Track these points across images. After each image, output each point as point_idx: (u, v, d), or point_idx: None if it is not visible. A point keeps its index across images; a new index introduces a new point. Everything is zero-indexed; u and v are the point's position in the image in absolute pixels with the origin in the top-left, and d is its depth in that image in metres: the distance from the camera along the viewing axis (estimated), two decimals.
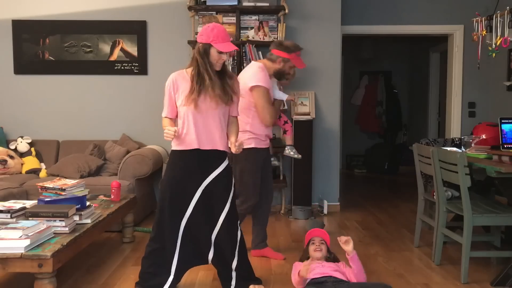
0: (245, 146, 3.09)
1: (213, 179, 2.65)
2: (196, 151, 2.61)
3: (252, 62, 3.48)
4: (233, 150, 2.62)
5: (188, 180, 2.63)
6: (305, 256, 2.89)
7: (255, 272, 3.20)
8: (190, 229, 2.65)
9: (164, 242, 2.64)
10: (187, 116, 2.58)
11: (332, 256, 2.86)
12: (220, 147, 2.66)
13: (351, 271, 2.67)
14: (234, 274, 2.72)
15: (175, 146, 2.66)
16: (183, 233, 2.65)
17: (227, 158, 2.73)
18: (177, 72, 2.66)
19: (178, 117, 2.65)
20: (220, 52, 2.54)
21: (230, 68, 4.77)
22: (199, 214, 2.64)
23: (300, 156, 3.54)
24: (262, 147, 3.33)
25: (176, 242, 2.64)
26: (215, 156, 2.66)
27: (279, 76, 3.39)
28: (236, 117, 2.80)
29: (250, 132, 3.26)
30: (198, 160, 2.62)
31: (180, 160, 2.64)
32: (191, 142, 2.60)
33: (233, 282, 2.72)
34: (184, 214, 2.64)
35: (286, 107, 3.77)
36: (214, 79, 2.54)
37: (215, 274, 3.14)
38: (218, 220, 2.67)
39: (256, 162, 3.30)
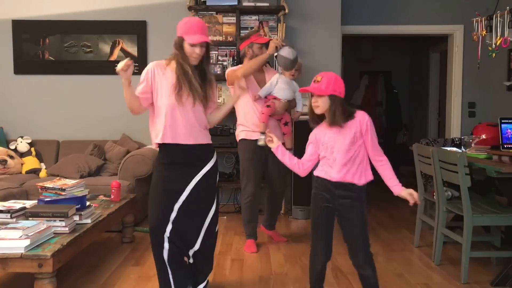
0: (237, 138, 3.65)
1: (202, 177, 2.55)
2: (181, 145, 2.51)
3: None
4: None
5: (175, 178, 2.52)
6: None
7: (255, 272, 3.21)
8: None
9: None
10: (169, 110, 2.48)
11: None
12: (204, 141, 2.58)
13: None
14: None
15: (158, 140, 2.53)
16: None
17: (214, 155, 2.64)
18: (156, 62, 2.57)
19: (156, 112, 2.54)
20: (193, 45, 2.46)
21: (229, 67, 4.77)
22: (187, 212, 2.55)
23: None
24: (252, 138, 3.53)
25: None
26: (201, 151, 2.57)
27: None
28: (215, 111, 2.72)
29: (241, 125, 3.62)
30: (184, 156, 2.53)
31: (166, 155, 2.54)
32: (175, 136, 2.50)
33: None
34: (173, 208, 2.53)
35: (299, 109, 3.66)
36: (191, 74, 2.47)
37: (215, 274, 3.14)
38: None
39: (246, 152, 3.56)
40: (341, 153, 2.34)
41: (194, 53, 2.48)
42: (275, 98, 3.53)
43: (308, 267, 2.50)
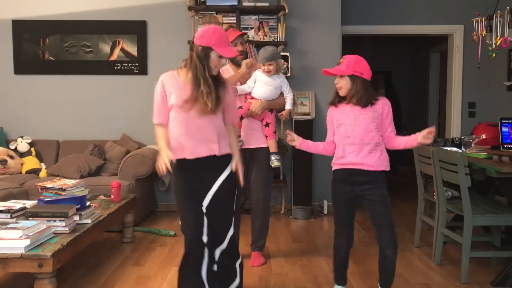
0: None
1: (218, 187, 2.43)
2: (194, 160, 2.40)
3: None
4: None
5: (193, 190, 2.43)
6: None
7: (255, 272, 3.21)
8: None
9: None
10: (181, 121, 2.39)
11: None
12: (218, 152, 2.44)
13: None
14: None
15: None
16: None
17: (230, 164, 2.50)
18: (168, 73, 2.46)
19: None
20: (221, 57, 2.39)
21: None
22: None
23: (279, 164, 3.27)
24: None
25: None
26: (216, 163, 2.45)
27: (240, 58, 3.28)
28: (233, 125, 2.61)
29: None
30: (199, 169, 2.42)
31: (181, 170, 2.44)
32: (185, 151, 2.40)
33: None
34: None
35: (288, 107, 3.30)
36: (210, 85, 2.36)
37: None
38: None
39: None
40: (360, 134, 2.41)
41: (220, 64, 2.41)
42: (252, 97, 3.23)
43: (332, 255, 2.65)
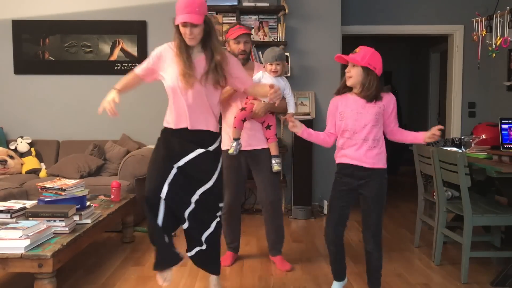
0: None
1: (197, 156, 2.46)
2: (184, 130, 2.46)
3: None
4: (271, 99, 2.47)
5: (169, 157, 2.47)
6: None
7: (255, 272, 3.20)
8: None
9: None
10: (175, 94, 2.46)
11: None
12: (210, 127, 2.51)
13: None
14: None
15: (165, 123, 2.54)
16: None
17: (218, 140, 2.56)
18: (167, 45, 2.57)
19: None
20: (184, 25, 2.34)
21: None
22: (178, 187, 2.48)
23: (279, 168, 3.17)
24: (224, 148, 3.15)
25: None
26: (204, 136, 2.50)
27: (241, 58, 3.20)
28: (250, 85, 2.64)
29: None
30: (184, 140, 2.48)
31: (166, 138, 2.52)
32: (177, 121, 2.47)
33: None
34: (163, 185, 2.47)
35: (291, 110, 3.10)
36: (187, 55, 2.40)
37: None
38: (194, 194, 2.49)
39: (225, 159, 3.09)
40: (362, 130, 2.40)
41: (186, 33, 2.38)
42: (254, 98, 3.09)
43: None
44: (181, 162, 2.46)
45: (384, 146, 2.49)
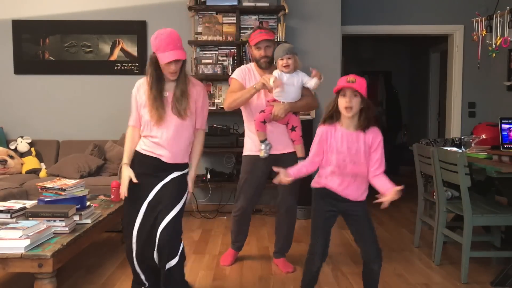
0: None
1: (167, 182, 2.51)
2: (157, 159, 2.50)
3: None
4: None
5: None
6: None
7: (255, 272, 3.20)
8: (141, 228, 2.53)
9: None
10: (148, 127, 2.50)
11: None
12: (179, 160, 2.54)
13: None
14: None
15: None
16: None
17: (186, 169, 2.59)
18: (139, 83, 2.56)
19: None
20: (169, 62, 2.33)
21: (230, 68, 4.77)
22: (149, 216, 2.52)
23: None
24: (245, 153, 3.25)
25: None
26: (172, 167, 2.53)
27: (263, 63, 3.15)
28: (200, 130, 2.64)
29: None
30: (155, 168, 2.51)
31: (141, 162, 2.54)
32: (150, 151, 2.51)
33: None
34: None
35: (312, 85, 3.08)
36: (158, 91, 2.41)
37: (215, 274, 3.15)
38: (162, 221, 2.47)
39: (246, 164, 3.24)
40: (348, 167, 2.29)
41: (169, 69, 2.37)
42: (274, 100, 3.05)
43: (303, 268, 2.49)
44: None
45: (367, 182, 2.40)
